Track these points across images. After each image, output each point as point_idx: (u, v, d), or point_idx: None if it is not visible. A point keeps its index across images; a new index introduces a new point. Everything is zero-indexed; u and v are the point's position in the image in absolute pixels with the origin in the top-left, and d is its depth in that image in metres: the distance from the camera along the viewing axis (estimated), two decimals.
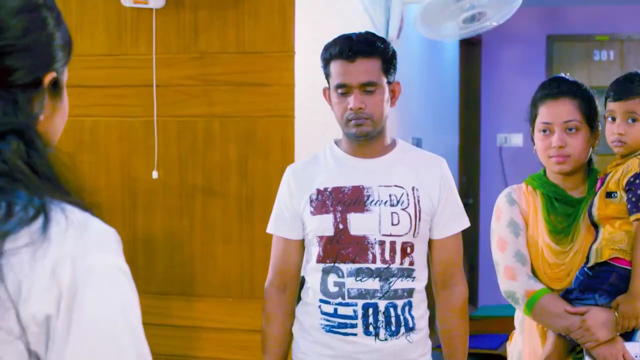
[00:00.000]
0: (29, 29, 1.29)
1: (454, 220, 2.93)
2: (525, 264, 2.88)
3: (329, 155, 2.95)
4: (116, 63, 3.90)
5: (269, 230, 3.00)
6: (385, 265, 2.80)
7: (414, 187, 2.86)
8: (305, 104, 3.76)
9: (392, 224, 2.81)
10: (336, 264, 2.82)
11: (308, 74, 3.76)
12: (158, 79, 3.80)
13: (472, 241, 7.77)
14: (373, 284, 2.79)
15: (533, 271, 2.89)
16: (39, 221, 1.18)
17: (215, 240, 3.80)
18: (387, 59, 2.85)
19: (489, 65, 8.54)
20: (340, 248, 2.82)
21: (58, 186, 1.25)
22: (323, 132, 3.84)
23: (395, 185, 2.85)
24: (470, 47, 8.24)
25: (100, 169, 3.89)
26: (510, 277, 2.88)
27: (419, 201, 2.85)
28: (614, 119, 2.82)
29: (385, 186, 2.85)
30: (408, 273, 2.83)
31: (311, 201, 2.88)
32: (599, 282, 2.72)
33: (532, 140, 2.97)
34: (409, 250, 2.83)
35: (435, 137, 6.78)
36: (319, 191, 2.88)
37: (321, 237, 2.85)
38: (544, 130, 2.88)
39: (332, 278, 2.83)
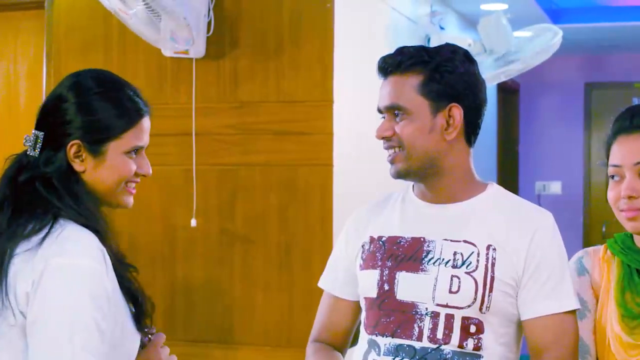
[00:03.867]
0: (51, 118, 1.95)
1: (547, 295, 2.08)
2: (586, 358, 2.15)
3: (401, 196, 2.27)
4: (156, 112, 3.85)
5: (319, 283, 2.37)
6: (434, 346, 2.07)
7: (490, 246, 2.09)
8: (344, 153, 3.77)
9: (450, 291, 2.07)
10: (374, 337, 2.14)
11: (347, 123, 3.77)
12: (198, 128, 3.83)
13: None
14: None
15: None
16: (42, 234, 1.81)
17: (254, 289, 3.80)
18: (433, 74, 2.12)
19: (527, 113, 8.53)
20: (382, 315, 2.13)
21: (74, 209, 1.86)
22: (362, 181, 3.84)
23: (465, 241, 2.11)
24: (509, 95, 8.23)
25: (140, 217, 3.90)
26: None
27: (493, 264, 2.08)
28: None
29: (451, 241, 2.12)
30: None
31: (363, 251, 2.23)
32: None
33: None
34: (473, 329, 2.07)
35: None
36: (372, 239, 2.21)
37: (366, 299, 2.19)
38: (613, 176, 2.12)
39: (371, 356, 2.14)
